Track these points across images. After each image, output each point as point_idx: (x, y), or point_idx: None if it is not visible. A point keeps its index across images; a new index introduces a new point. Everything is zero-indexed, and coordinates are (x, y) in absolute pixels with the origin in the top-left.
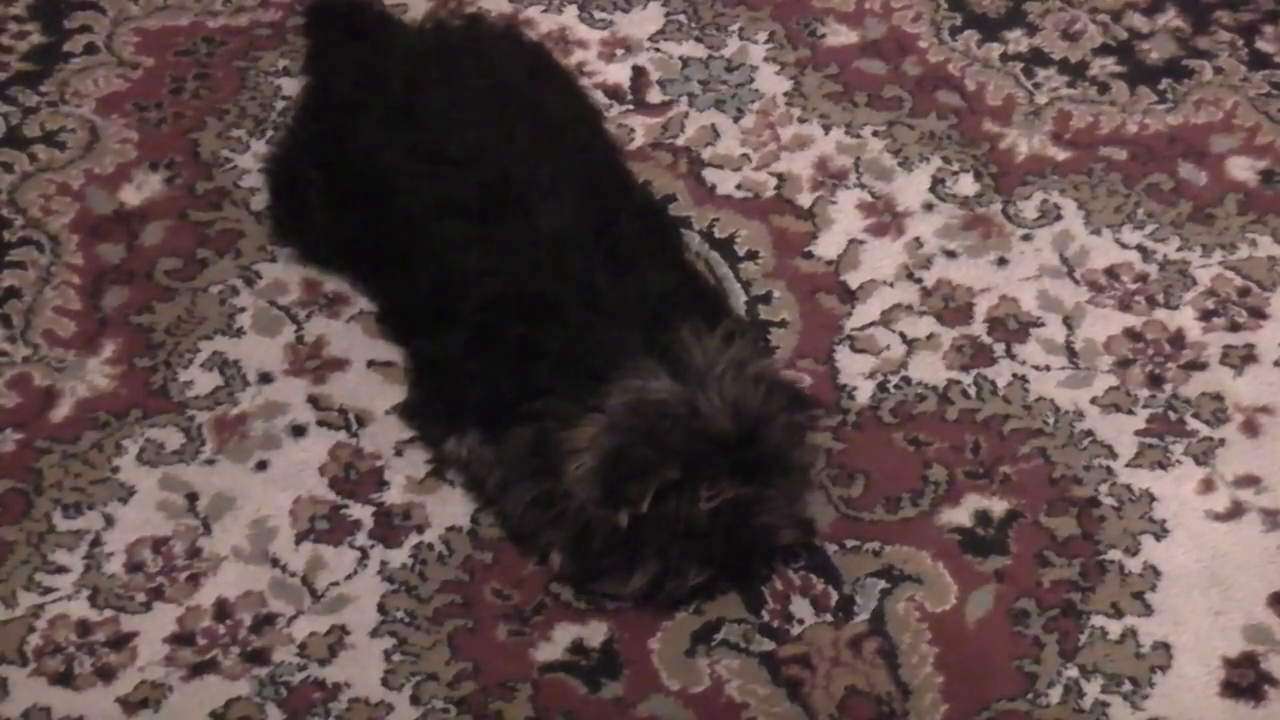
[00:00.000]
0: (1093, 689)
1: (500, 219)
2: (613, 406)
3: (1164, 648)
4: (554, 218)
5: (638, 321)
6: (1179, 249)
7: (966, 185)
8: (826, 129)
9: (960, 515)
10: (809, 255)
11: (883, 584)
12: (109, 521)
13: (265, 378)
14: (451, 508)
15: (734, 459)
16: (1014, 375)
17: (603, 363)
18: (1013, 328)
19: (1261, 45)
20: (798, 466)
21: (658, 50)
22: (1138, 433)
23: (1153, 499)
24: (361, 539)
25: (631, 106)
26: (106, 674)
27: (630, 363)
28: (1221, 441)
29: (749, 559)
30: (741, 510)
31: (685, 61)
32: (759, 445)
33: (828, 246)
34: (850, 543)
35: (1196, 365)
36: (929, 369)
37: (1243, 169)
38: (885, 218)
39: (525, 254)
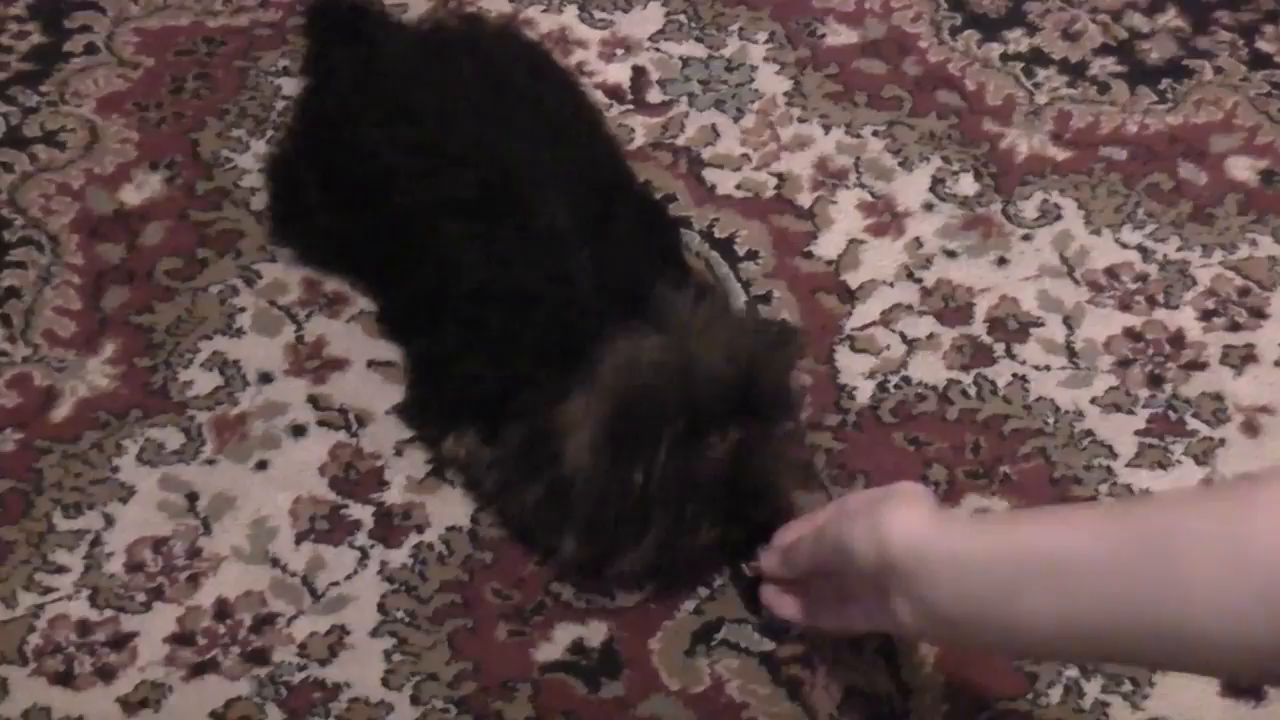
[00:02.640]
0: (1093, 689)
1: (496, 216)
2: (603, 371)
3: None
4: (549, 214)
5: (621, 308)
6: (1179, 249)
7: (966, 185)
8: (826, 129)
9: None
10: (809, 255)
11: None
12: (109, 521)
13: (265, 378)
14: (451, 508)
15: (737, 401)
16: (1014, 375)
17: (583, 345)
18: (1013, 328)
19: (1261, 45)
20: (794, 403)
21: (658, 50)
22: (1138, 433)
23: None
24: (361, 539)
25: (631, 106)
26: (106, 674)
27: (615, 330)
28: (1221, 441)
29: (755, 509)
30: (741, 459)
31: (685, 61)
32: (759, 385)
33: (828, 246)
34: None
35: (1196, 365)
36: (929, 369)
37: (1243, 169)
38: (885, 218)
39: (517, 251)
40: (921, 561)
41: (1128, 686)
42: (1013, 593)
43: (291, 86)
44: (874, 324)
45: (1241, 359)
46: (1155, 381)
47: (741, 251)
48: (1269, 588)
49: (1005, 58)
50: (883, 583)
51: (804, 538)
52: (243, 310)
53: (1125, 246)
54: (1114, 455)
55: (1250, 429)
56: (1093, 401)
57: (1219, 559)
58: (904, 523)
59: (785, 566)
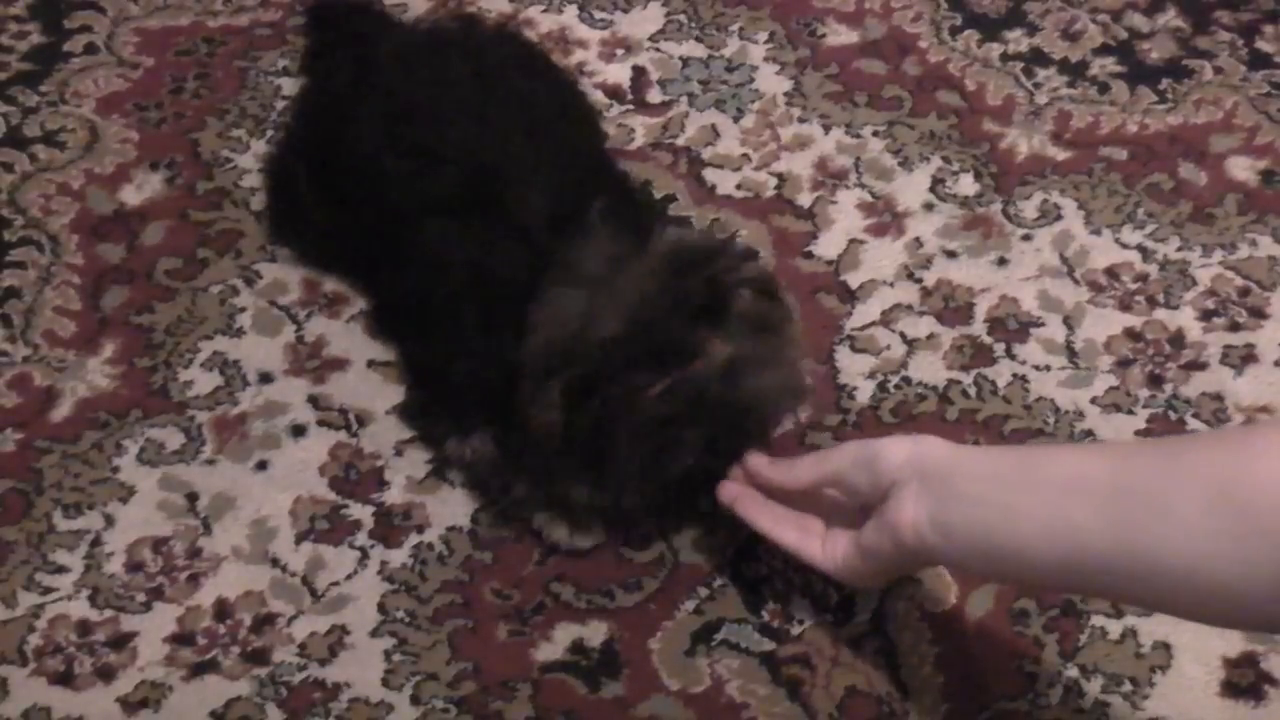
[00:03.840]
0: (1093, 689)
1: (481, 212)
2: (530, 341)
3: (1164, 648)
4: (531, 209)
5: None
6: (1179, 249)
7: (966, 185)
8: (826, 129)
9: None
10: (809, 255)
11: None
12: (109, 521)
13: (265, 378)
14: (451, 508)
15: (630, 355)
16: (1014, 375)
17: None
18: (1013, 328)
19: (1261, 45)
20: (771, 324)
21: (658, 50)
22: (1138, 433)
23: None
24: (361, 539)
25: (631, 106)
26: (106, 674)
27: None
28: None
29: (742, 430)
30: (730, 379)
31: (685, 61)
32: (653, 337)
33: (828, 246)
34: None
35: (1196, 365)
36: (929, 369)
37: (1243, 169)
38: (885, 218)
39: (497, 248)
40: (954, 465)
41: (1128, 687)
42: (1017, 502)
43: (291, 86)
44: (874, 324)
45: (1241, 359)
46: (1155, 381)
47: None
48: (1246, 527)
49: (1005, 58)
50: (895, 488)
51: (815, 454)
52: (243, 310)
53: (1125, 246)
54: None
55: None
56: (1093, 401)
57: (1206, 494)
58: (941, 442)
59: (785, 471)
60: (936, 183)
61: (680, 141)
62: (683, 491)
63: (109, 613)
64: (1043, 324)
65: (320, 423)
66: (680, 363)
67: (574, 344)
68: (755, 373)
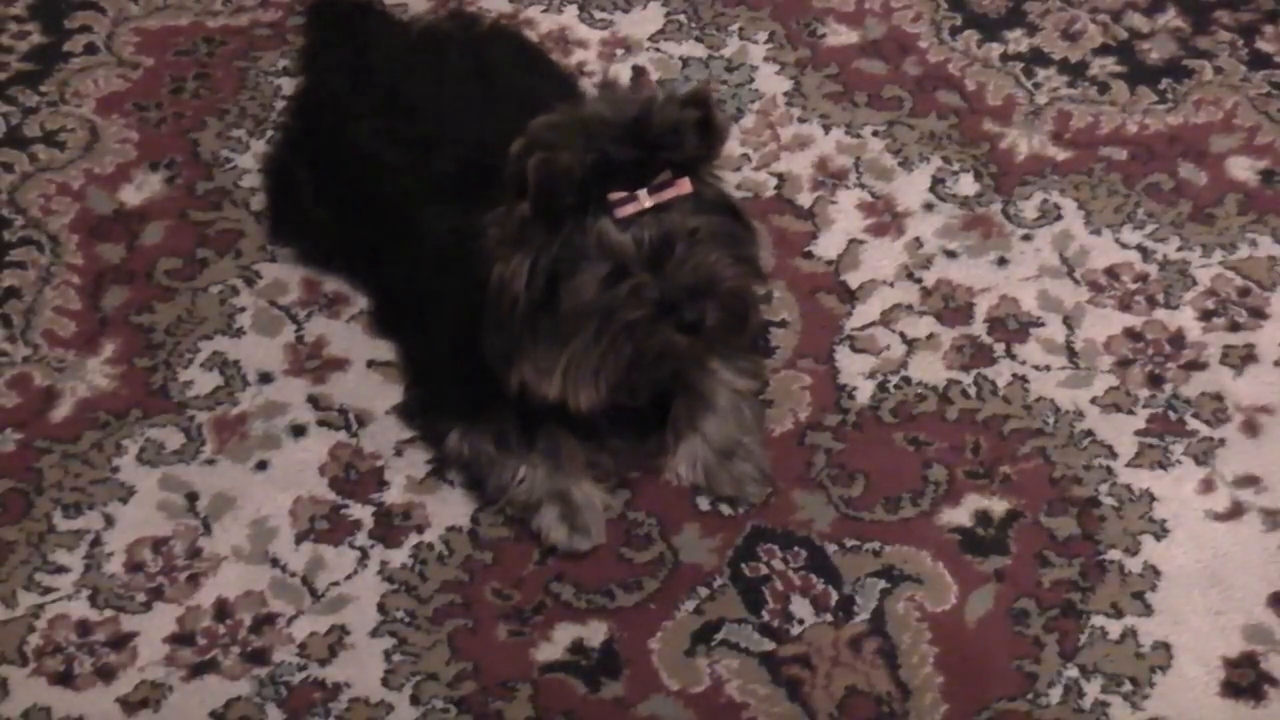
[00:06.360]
0: (1093, 689)
1: (475, 199)
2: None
3: (1164, 648)
4: None
5: None
6: (1179, 249)
7: (966, 185)
8: (826, 129)
9: (960, 515)
10: (809, 255)
11: (883, 584)
12: (109, 521)
13: (265, 378)
14: (451, 508)
15: (635, 135)
16: (1014, 375)
17: None
18: (1013, 328)
19: (1261, 45)
20: (736, 208)
21: (658, 50)
22: (1138, 433)
23: (1153, 499)
24: (361, 539)
25: None
26: (106, 674)
27: None
28: (1221, 441)
29: (692, 300)
30: (684, 250)
31: (685, 61)
32: (651, 119)
33: (828, 246)
34: (850, 543)
35: (1196, 365)
36: (929, 369)
37: (1243, 169)
38: (885, 218)
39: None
40: None
41: (1128, 687)
42: None
43: (291, 86)
44: (874, 324)
45: (1241, 359)
46: (1155, 381)
47: None
48: None
49: (1005, 58)
50: None
51: None
52: (243, 310)
53: (1125, 246)
54: (1114, 455)
55: (1250, 429)
56: (1093, 401)
57: None
58: None
59: None
60: (936, 183)
61: None
62: (639, 384)
63: (109, 613)
64: (1043, 324)
65: (320, 423)
66: (676, 144)
67: (571, 131)
68: (716, 245)
